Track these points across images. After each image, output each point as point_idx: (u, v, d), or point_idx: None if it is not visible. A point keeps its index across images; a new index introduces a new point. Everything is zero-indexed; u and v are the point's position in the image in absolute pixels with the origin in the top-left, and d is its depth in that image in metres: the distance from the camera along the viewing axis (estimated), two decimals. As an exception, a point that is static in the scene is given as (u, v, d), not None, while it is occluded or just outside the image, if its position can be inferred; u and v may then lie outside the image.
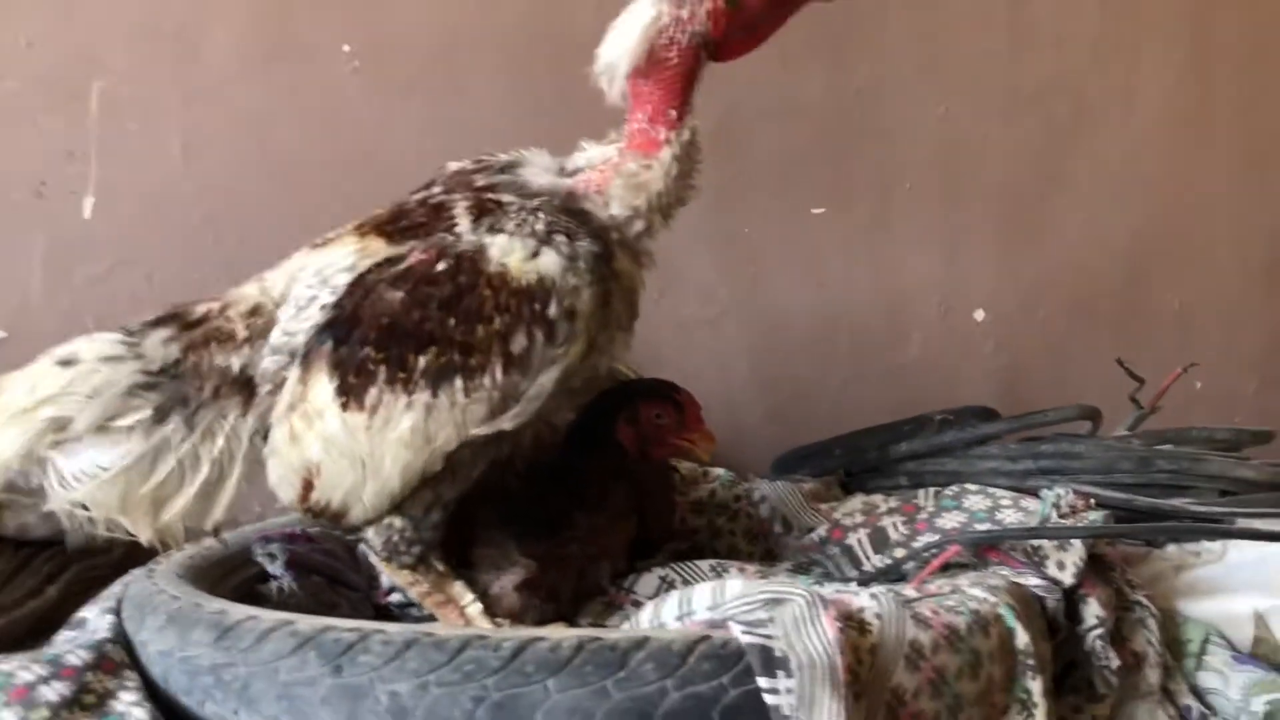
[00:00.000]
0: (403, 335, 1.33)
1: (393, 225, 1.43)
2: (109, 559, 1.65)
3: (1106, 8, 2.44)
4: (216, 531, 1.51)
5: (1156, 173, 2.55)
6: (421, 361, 1.32)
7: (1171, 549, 1.64)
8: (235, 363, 1.39)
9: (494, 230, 1.36)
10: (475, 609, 1.47)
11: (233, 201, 2.11)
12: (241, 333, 1.41)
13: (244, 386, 1.40)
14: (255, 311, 1.42)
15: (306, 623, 1.23)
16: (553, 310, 1.33)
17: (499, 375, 1.33)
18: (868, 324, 2.46)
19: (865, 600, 1.24)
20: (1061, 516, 1.51)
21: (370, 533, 1.43)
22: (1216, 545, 1.59)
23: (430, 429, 1.33)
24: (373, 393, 1.33)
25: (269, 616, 1.26)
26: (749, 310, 2.40)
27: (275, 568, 1.74)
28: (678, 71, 1.41)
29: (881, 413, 2.33)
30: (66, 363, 1.39)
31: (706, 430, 1.59)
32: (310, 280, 1.41)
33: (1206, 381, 2.54)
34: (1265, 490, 1.69)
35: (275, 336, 1.39)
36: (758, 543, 1.89)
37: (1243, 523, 1.57)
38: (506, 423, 1.35)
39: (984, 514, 1.58)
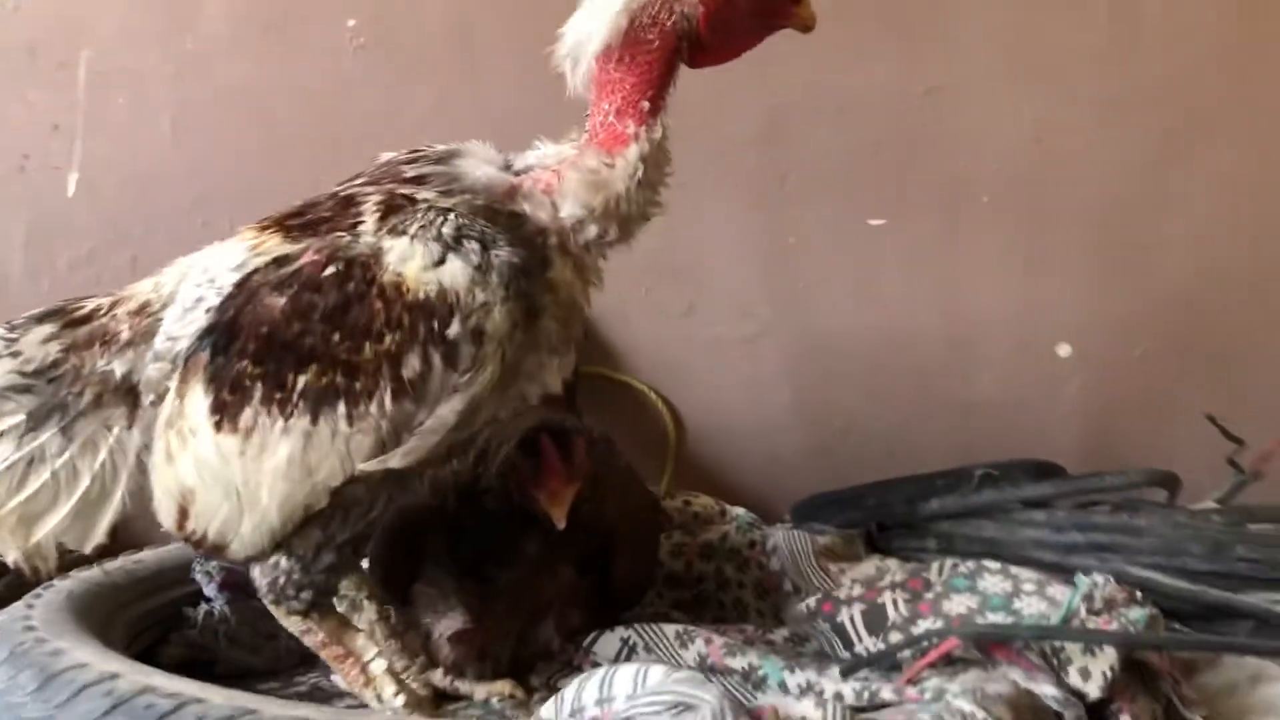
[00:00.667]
0: (282, 349, 1.16)
1: (296, 220, 1.25)
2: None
3: (1223, 2, 2.13)
4: (100, 557, 1.38)
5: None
6: (301, 381, 1.16)
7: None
8: (118, 368, 1.24)
9: (396, 232, 1.18)
10: (379, 666, 1.29)
11: (225, 182, 1.99)
12: (125, 334, 1.26)
13: (128, 395, 1.25)
14: (142, 310, 1.27)
15: (129, 682, 1.09)
16: (454, 330, 1.15)
17: (388, 403, 1.16)
18: (931, 354, 2.22)
19: (808, 709, 1.09)
20: (1093, 612, 1.27)
21: (255, 572, 1.26)
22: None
23: (310, 460, 1.17)
24: (248, 413, 1.17)
25: (96, 669, 1.13)
26: (792, 330, 2.19)
27: (209, 588, 1.63)
28: (657, 56, 1.23)
29: (942, 456, 2.12)
30: None
31: (555, 488, 1.34)
32: (198, 279, 1.25)
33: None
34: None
35: (159, 341, 1.24)
36: (767, 599, 1.71)
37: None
38: (396, 460, 1.18)
39: (999, 600, 1.33)
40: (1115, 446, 2.25)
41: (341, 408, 1.15)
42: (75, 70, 1.92)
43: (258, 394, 1.16)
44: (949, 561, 1.44)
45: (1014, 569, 1.37)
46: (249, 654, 1.56)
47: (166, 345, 1.22)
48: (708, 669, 1.34)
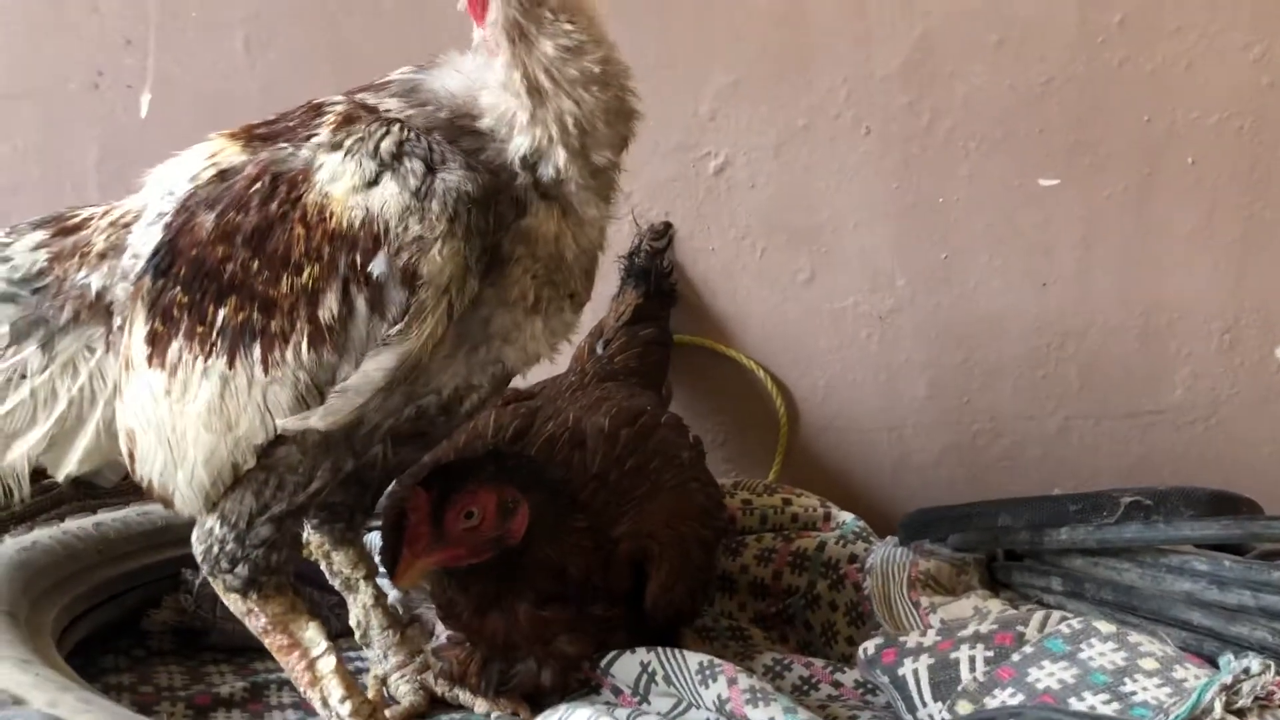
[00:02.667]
0: (205, 277, 1.03)
1: (263, 128, 1.12)
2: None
3: None
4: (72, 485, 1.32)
5: None
6: (220, 315, 1.02)
7: None
8: (94, 282, 1.15)
9: (334, 146, 1.01)
10: (327, 665, 1.15)
11: (297, 102, 1.83)
12: (100, 245, 1.16)
13: (105, 314, 1.15)
14: (119, 221, 1.16)
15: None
16: (379, 266, 0.97)
17: (305, 350, 1.00)
18: (1110, 348, 1.91)
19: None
20: (1234, 712, 0.94)
21: (194, 535, 1.15)
22: None
23: (229, 410, 1.03)
24: (174, 348, 1.05)
25: None
26: (936, 309, 1.91)
27: None
28: None
29: (1117, 473, 1.92)
30: None
31: (405, 564, 1.17)
32: (160, 191, 1.13)
33: None
34: None
35: (125, 258, 1.13)
36: (862, 626, 1.50)
37: None
38: (315, 419, 1.01)
39: (1103, 679, 1.01)
40: None
41: (257, 351, 1.00)
42: (148, -21, 1.84)
43: (184, 326, 1.04)
44: (1055, 614, 1.11)
45: (1134, 636, 1.05)
46: (244, 627, 1.39)
47: (130, 263, 1.12)
48: (726, 714, 1.14)
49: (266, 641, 1.14)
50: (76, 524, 1.42)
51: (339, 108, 1.05)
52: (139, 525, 1.48)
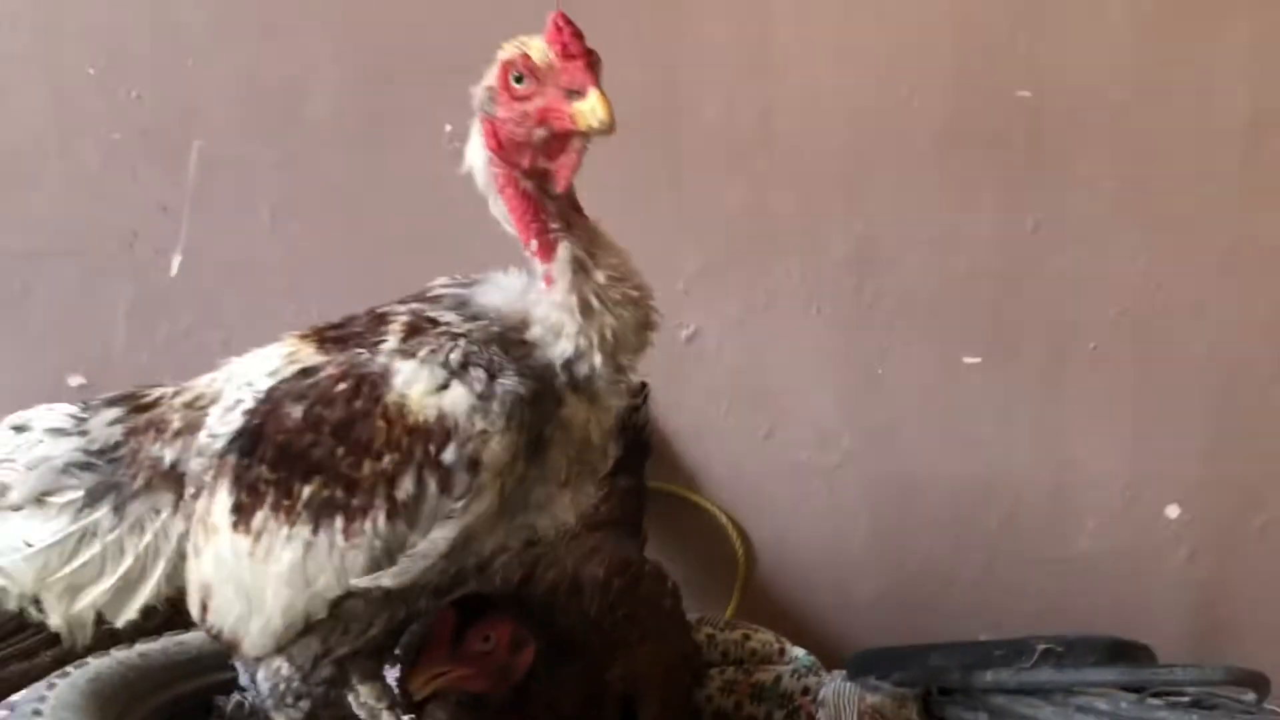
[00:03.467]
0: (293, 458, 1.18)
1: (333, 332, 1.28)
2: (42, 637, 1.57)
3: None
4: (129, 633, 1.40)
5: None
6: (306, 491, 1.17)
7: None
8: (168, 455, 1.27)
9: (407, 354, 1.18)
10: None
11: (317, 271, 2.04)
12: (176, 424, 1.29)
13: (175, 483, 1.27)
14: (193, 403, 1.30)
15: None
16: (449, 455, 1.14)
17: (381, 522, 1.16)
18: (1026, 503, 2.12)
19: None
20: None
21: (260, 675, 1.29)
22: None
23: (309, 569, 1.18)
24: (259, 517, 1.19)
25: None
26: (876, 464, 2.11)
27: (245, 678, 1.59)
28: (507, 185, 1.19)
29: (1029, 616, 2.09)
30: (19, 428, 1.33)
31: (421, 665, 1.33)
32: (240, 381, 1.28)
33: None
34: None
35: (202, 436, 1.27)
36: None
37: None
38: (388, 579, 1.17)
39: None
40: (1226, 626, 2.11)
41: (339, 522, 1.15)
42: (187, 156, 1.99)
43: (269, 499, 1.18)
44: None
45: None
46: None
47: (207, 441, 1.25)
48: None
49: (319, 767, 1.29)
50: (124, 654, 1.53)
51: (402, 318, 1.21)
52: (177, 654, 1.60)
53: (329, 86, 1.99)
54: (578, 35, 1.11)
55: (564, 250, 1.16)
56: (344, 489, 1.15)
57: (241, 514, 1.19)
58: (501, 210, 1.20)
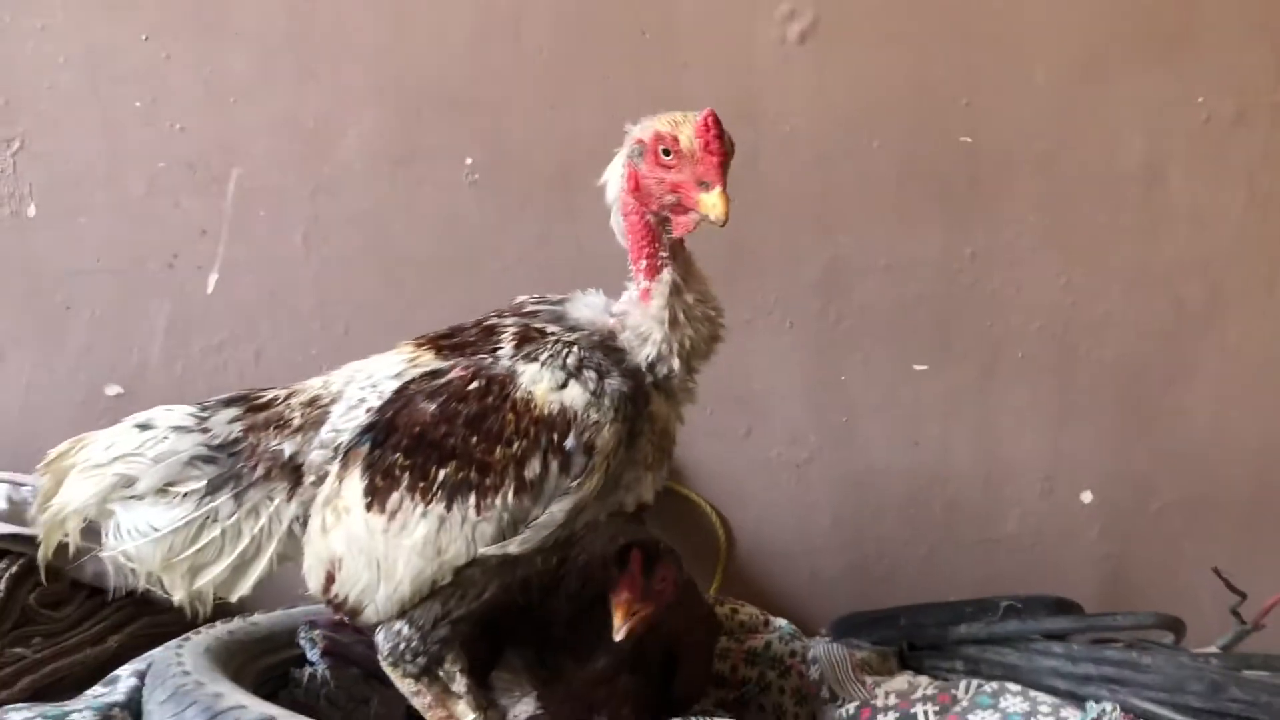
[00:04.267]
0: (429, 446, 1.37)
1: (446, 341, 1.48)
2: (175, 615, 1.70)
3: (1254, 191, 2.32)
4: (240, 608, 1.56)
5: (1297, 369, 2.39)
6: (441, 474, 1.36)
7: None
8: (287, 448, 1.46)
9: (529, 358, 1.39)
10: None
11: (344, 293, 2.21)
12: (297, 420, 1.47)
13: (292, 473, 1.46)
14: (313, 403, 1.49)
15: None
16: (570, 442, 1.35)
17: (510, 498, 1.35)
18: (963, 491, 2.38)
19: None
20: None
21: (380, 636, 1.46)
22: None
23: (441, 541, 1.37)
24: (394, 497, 1.37)
25: (255, 711, 1.29)
26: (838, 459, 2.35)
27: (312, 653, 1.78)
28: (636, 218, 1.41)
29: (969, 586, 2.28)
30: (143, 426, 1.50)
31: (624, 601, 1.49)
32: (363, 383, 1.47)
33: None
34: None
35: (325, 432, 1.45)
36: (805, 705, 1.85)
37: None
38: (513, 546, 1.37)
39: (1019, 718, 1.48)
40: (1129, 590, 2.38)
41: (472, 499, 1.35)
42: (226, 184, 2.14)
43: (405, 482, 1.36)
44: (975, 681, 1.60)
45: (1033, 693, 1.53)
46: (344, 716, 1.69)
47: (331, 435, 1.44)
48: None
49: (429, 715, 1.46)
50: (217, 631, 1.68)
51: (511, 329, 1.43)
52: (254, 633, 1.74)
53: (362, 123, 2.17)
54: (720, 136, 1.32)
55: (667, 274, 1.40)
56: (477, 471, 1.34)
57: (376, 495, 1.37)
58: (620, 226, 1.42)
